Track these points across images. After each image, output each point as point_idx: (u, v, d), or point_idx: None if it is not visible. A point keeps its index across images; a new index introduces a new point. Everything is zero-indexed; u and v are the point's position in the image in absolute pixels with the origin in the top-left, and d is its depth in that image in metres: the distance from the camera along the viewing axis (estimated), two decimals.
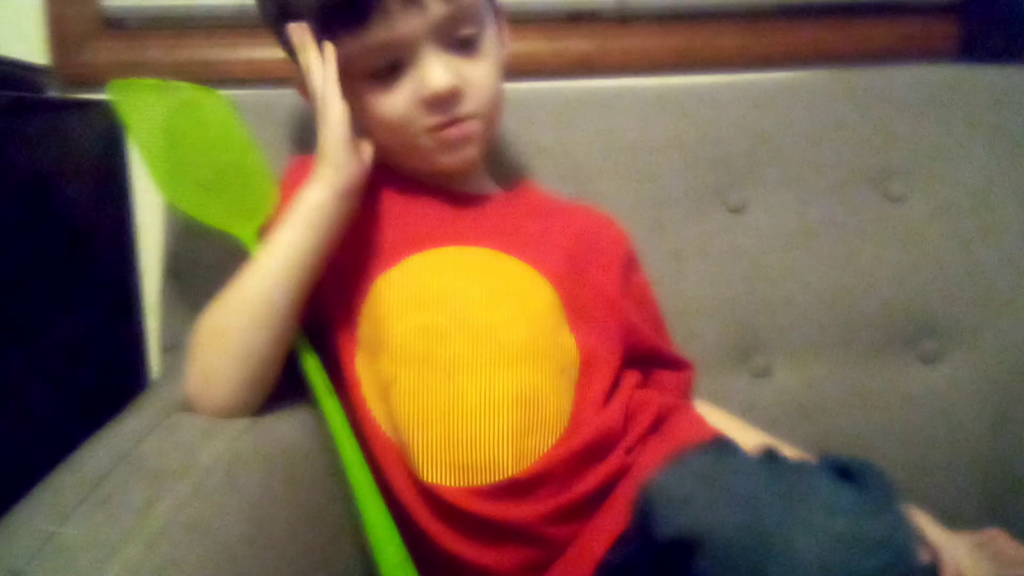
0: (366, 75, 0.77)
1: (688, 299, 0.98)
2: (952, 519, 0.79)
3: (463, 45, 0.77)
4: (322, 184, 0.75)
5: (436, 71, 0.75)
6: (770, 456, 0.71)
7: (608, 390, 0.78)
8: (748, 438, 0.85)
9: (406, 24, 0.74)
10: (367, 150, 0.80)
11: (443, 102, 0.77)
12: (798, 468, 0.66)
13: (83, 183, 0.96)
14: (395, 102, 0.77)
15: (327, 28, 0.75)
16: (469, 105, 0.78)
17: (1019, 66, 1.08)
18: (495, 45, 0.81)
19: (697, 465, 0.69)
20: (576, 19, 1.20)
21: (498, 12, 0.84)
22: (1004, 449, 0.95)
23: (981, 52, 1.18)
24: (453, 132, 0.79)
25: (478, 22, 0.78)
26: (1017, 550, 0.79)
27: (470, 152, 0.82)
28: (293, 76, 0.83)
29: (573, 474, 0.71)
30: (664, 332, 0.92)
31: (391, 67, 0.77)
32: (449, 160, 0.81)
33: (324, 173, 0.75)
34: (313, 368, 0.76)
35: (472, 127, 0.80)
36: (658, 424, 0.78)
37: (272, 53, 1.14)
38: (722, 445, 0.75)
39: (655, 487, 0.68)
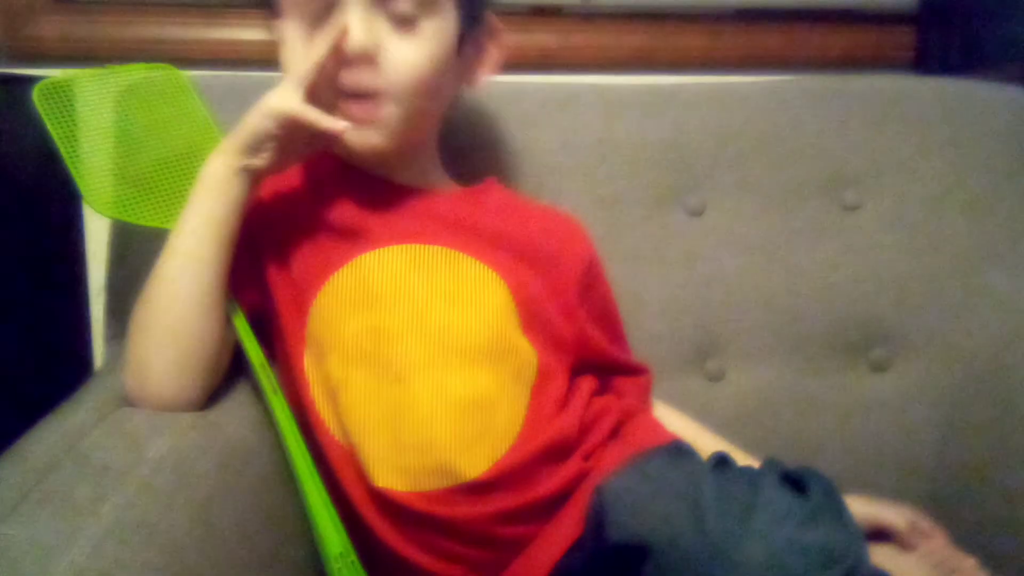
0: (303, 17, 0.74)
1: (644, 300, 0.98)
2: None
3: (401, 21, 0.74)
4: (223, 158, 0.73)
5: (353, 28, 0.72)
6: (722, 463, 0.71)
7: (562, 396, 0.77)
8: (704, 442, 0.85)
9: None
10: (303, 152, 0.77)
11: (354, 62, 0.73)
12: (748, 476, 0.67)
13: (28, 163, 0.93)
14: (313, 51, 0.73)
15: None
16: (382, 82, 0.74)
17: (972, 78, 1.10)
18: (442, 40, 0.77)
19: (650, 470, 0.70)
20: (540, 13, 1.19)
21: (481, 24, 0.83)
22: (951, 458, 0.96)
23: (936, 63, 1.21)
24: (355, 109, 0.74)
25: (425, 6, 0.74)
26: (956, 556, 0.81)
27: (375, 138, 0.76)
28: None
29: (527, 479, 0.71)
30: (623, 342, 0.91)
31: (317, 9, 0.74)
32: (352, 139, 0.75)
33: (229, 148, 0.73)
34: (260, 367, 0.74)
35: (379, 110, 0.75)
36: (617, 431, 0.77)
37: (230, 33, 1.13)
38: (678, 450, 0.75)
39: (609, 491, 0.68)
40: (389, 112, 0.75)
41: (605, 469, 0.71)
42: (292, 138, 0.73)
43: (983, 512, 0.90)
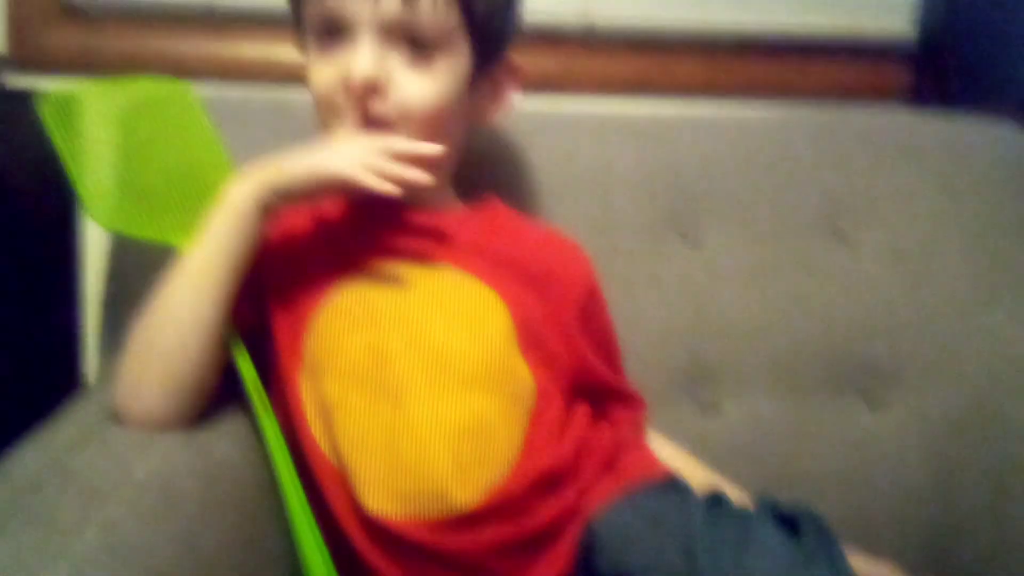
0: (315, 33, 0.76)
1: (638, 327, 0.97)
2: None
3: (415, 56, 0.75)
4: (250, 191, 0.72)
5: (360, 57, 0.73)
6: (715, 500, 0.71)
7: (559, 423, 0.76)
8: (698, 476, 0.85)
9: (355, 4, 0.73)
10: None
11: (360, 92, 0.74)
12: (741, 514, 0.67)
13: (28, 176, 0.94)
14: (325, 73, 0.75)
15: None
16: (389, 108, 0.75)
17: (969, 115, 1.10)
18: (454, 76, 0.78)
19: (643, 505, 0.69)
20: (542, 38, 1.20)
21: (498, 63, 0.83)
22: (947, 494, 0.96)
23: (934, 98, 1.21)
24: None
25: (438, 41, 0.75)
26: None
27: None
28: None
29: (523, 508, 0.70)
30: (620, 368, 0.91)
31: (332, 32, 0.75)
32: None
33: (260, 183, 0.72)
34: (252, 385, 0.73)
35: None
36: (611, 462, 0.76)
37: (237, 49, 1.15)
38: (672, 485, 0.75)
39: (600, 525, 0.68)
40: None
41: (597, 502, 0.71)
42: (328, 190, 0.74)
43: (980, 549, 0.90)
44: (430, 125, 0.77)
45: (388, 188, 0.71)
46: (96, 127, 0.77)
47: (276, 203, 0.73)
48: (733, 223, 1.02)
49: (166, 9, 1.14)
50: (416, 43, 0.75)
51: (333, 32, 0.75)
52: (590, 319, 0.86)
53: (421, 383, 0.73)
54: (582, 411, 0.80)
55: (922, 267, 1.02)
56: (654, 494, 0.72)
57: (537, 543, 0.70)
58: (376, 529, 0.69)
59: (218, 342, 0.72)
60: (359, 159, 0.71)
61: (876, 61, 1.26)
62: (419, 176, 0.72)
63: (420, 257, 0.79)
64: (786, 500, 0.71)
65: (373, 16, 0.73)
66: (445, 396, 0.72)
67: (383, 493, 0.69)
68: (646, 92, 1.21)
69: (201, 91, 0.85)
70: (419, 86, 0.75)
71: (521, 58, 1.16)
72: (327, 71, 0.75)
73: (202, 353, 0.71)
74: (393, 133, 0.75)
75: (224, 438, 0.73)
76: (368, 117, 0.75)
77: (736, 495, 0.82)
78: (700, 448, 0.92)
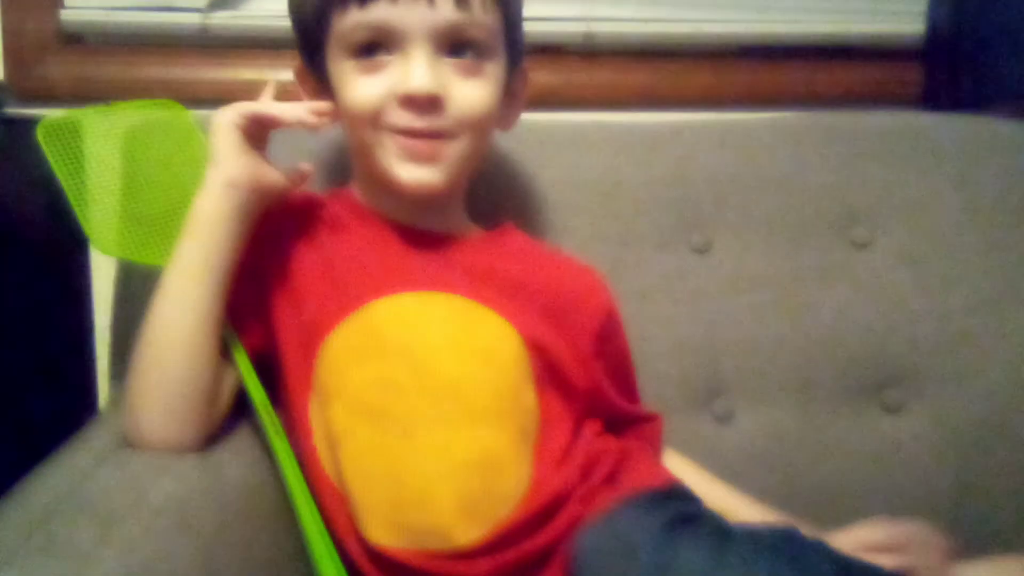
0: (351, 50, 0.74)
1: (650, 339, 0.96)
2: None
3: (466, 65, 0.75)
4: (206, 194, 0.72)
5: (420, 71, 0.72)
6: (724, 533, 0.69)
7: (567, 447, 0.74)
8: (715, 495, 0.83)
9: (410, 13, 0.72)
10: (304, 169, 0.78)
11: (419, 106, 0.73)
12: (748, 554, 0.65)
13: (36, 201, 0.93)
14: (371, 89, 0.74)
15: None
16: (448, 121, 0.74)
17: (981, 115, 1.09)
18: (498, 81, 0.78)
19: (622, 526, 0.68)
20: (543, 51, 1.20)
21: (519, 69, 0.84)
22: (969, 500, 0.94)
23: (944, 99, 1.20)
24: (420, 145, 0.74)
25: (487, 45, 0.75)
26: None
27: (434, 177, 0.75)
28: None
29: (526, 537, 0.68)
30: (635, 392, 0.90)
31: (372, 48, 0.74)
32: (408, 176, 0.75)
33: (207, 182, 0.72)
34: (262, 406, 0.72)
35: (445, 148, 0.75)
36: (613, 474, 0.74)
37: (235, 74, 1.14)
38: (665, 496, 0.73)
39: (580, 548, 0.67)
40: (453, 150, 0.75)
41: (593, 516, 0.69)
42: (260, 149, 0.74)
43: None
44: (482, 131, 0.77)
45: (291, 115, 0.73)
46: (94, 151, 0.78)
47: (220, 177, 0.72)
48: (743, 231, 1.01)
49: (163, 36, 1.14)
50: (463, 50, 0.75)
51: (373, 47, 0.74)
52: (607, 345, 0.85)
53: (430, 417, 0.71)
54: (591, 428, 0.79)
55: (939, 270, 1.01)
56: (638, 511, 0.69)
57: (540, 561, 0.68)
58: (378, 557, 0.68)
59: (210, 359, 0.71)
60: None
61: (885, 64, 1.25)
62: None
63: (430, 285, 0.77)
64: (803, 509, 0.70)
65: (428, 24, 0.72)
66: (454, 430, 0.70)
67: (385, 525, 0.68)
68: (651, 104, 1.20)
69: (200, 116, 0.85)
70: (476, 94, 0.76)
71: None
72: (373, 85, 0.74)
73: (192, 372, 0.70)
74: (449, 143, 0.75)
75: (238, 460, 0.72)
76: (423, 131, 0.74)
77: (751, 509, 0.83)
78: (716, 459, 0.90)
